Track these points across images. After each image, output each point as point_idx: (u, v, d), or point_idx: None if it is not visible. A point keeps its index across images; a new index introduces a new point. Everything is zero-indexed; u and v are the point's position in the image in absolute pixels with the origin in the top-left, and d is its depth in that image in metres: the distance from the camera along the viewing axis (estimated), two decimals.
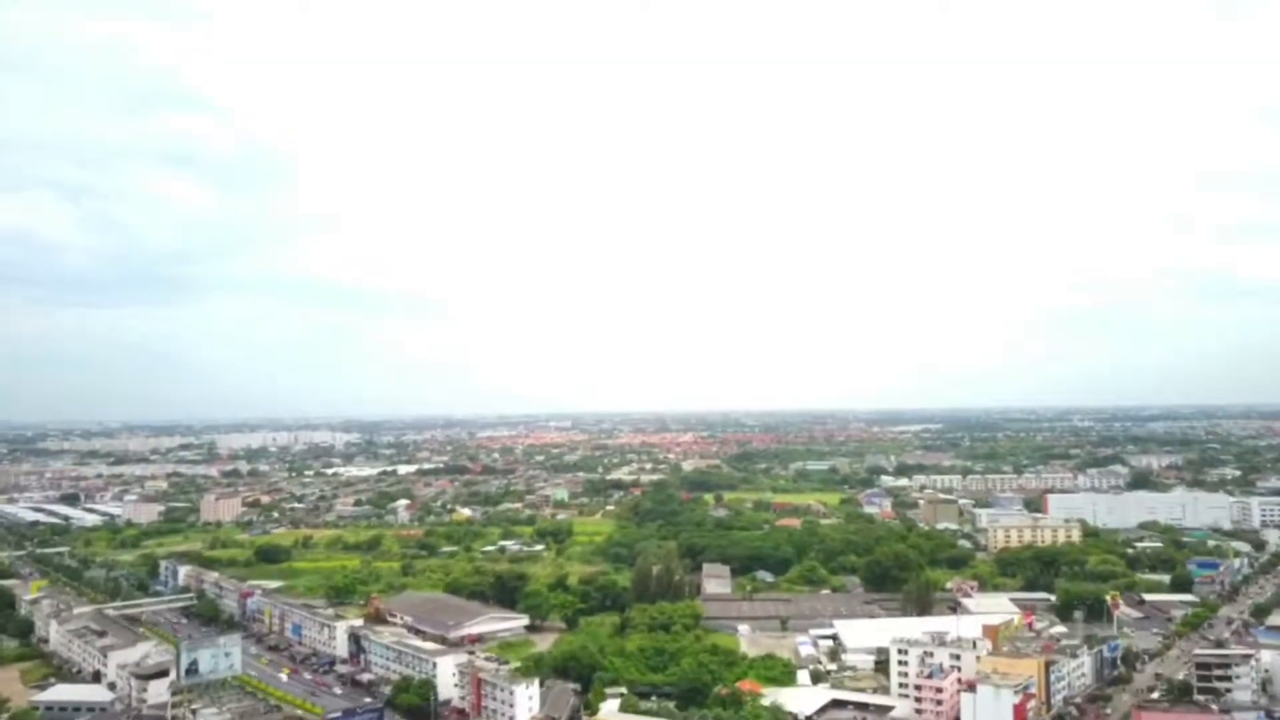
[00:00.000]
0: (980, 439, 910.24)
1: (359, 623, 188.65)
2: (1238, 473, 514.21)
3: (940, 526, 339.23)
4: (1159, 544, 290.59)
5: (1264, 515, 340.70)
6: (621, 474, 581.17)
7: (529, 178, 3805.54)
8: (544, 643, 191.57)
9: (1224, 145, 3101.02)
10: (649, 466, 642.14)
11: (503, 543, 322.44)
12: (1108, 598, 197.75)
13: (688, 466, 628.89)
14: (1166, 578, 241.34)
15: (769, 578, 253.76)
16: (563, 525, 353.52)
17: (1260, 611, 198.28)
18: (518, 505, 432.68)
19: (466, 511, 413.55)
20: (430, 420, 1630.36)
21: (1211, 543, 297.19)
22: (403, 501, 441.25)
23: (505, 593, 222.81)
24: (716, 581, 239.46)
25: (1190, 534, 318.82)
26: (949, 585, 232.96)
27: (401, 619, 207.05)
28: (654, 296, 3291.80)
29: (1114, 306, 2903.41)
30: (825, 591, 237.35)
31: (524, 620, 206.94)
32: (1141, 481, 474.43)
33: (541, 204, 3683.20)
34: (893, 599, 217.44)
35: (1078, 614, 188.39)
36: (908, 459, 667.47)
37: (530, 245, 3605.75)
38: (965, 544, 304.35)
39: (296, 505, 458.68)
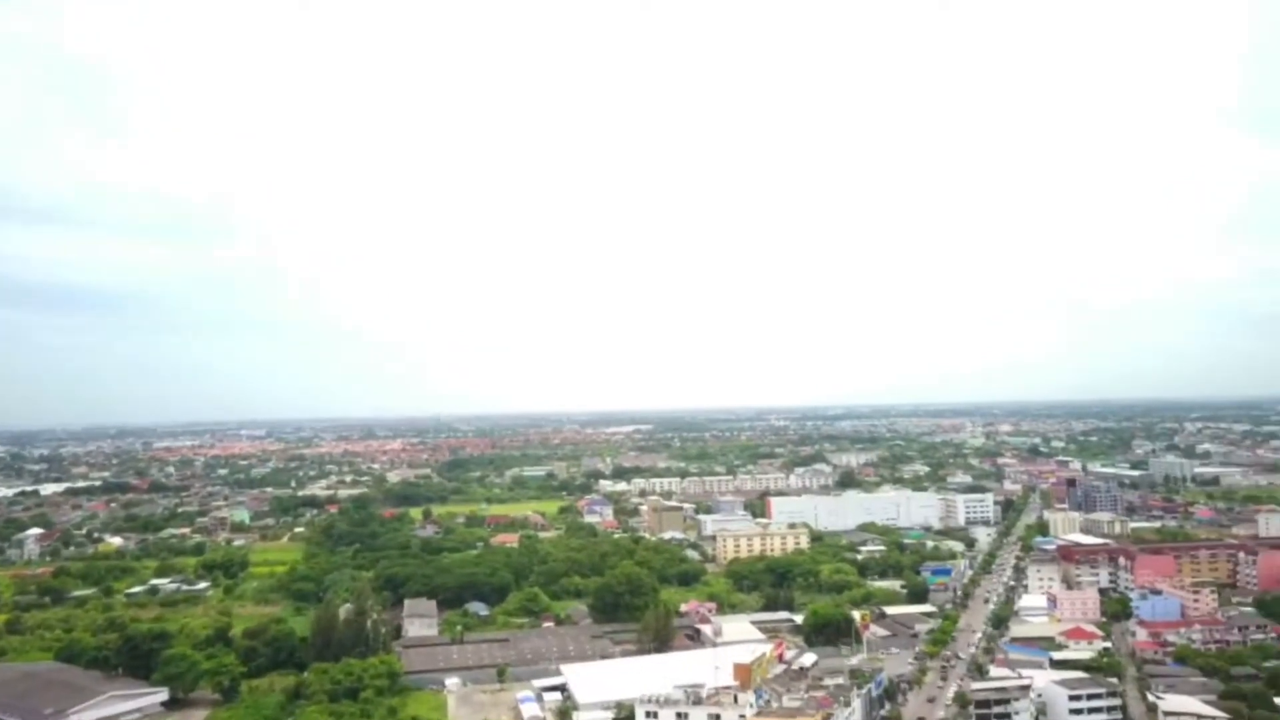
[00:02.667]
0: (690, 439, 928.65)
1: None
2: (927, 469, 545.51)
3: (666, 536, 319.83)
4: (883, 547, 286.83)
5: (969, 513, 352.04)
6: (317, 488, 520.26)
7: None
8: None
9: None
10: (350, 479, 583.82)
11: (156, 581, 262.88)
12: (856, 616, 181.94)
13: (394, 477, 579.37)
14: (898, 584, 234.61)
15: (483, 610, 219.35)
16: (237, 554, 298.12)
17: (999, 621, 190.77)
18: (186, 530, 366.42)
19: (117, 540, 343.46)
20: (102, 429, 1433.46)
21: (930, 544, 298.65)
22: (34, 530, 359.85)
23: (139, 657, 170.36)
24: (421, 622, 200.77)
25: (906, 534, 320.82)
26: (684, 608, 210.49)
27: None
28: (365, 299, 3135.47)
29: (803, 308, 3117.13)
30: (549, 624, 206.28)
31: (162, 695, 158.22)
32: (849, 480, 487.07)
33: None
34: (627, 630, 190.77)
35: (845, 647, 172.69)
36: (624, 461, 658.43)
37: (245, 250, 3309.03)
38: (693, 555, 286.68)
39: None
